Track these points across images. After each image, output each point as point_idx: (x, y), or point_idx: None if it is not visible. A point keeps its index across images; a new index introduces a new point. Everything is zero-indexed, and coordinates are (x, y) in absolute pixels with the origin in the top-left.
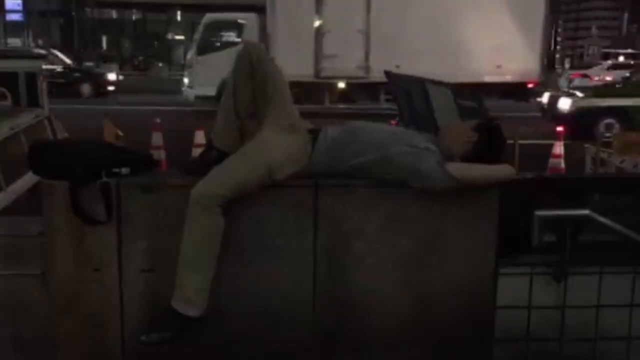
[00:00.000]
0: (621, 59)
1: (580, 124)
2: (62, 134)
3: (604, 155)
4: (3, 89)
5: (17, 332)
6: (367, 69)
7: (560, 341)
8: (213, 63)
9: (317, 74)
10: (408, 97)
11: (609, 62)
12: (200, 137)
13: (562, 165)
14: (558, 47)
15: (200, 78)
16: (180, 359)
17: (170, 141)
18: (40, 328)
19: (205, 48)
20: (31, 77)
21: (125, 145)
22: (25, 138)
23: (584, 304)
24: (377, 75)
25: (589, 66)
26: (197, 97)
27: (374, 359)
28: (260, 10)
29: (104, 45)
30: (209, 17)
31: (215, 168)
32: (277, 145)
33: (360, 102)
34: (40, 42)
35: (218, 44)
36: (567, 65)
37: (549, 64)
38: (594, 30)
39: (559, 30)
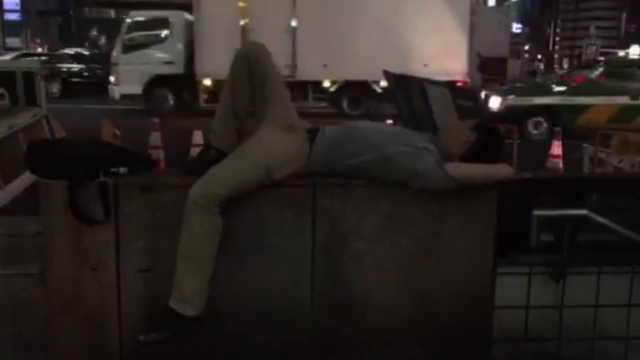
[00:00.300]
0: None
1: (509, 122)
2: (60, 134)
3: (602, 155)
4: (1, 89)
5: (16, 331)
6: (294, 67)
7: (559, 341)
8: (138, 61)
9: None
10: (406, 97)
11: None
12: (198, 136)
13: (561, 165)
14: (557, 47)
15: (126, 76)
16: (178, 359)
17: (170, 141)
18: (38, 328)
19: (131, 46)
20: (29, 77)
21: (123, 144)
22: (23, 137)
23: (582, 303)
24: (304, 74)
25: (588, 66)
26: (123, 96)
27: (372, 359)
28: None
29: (102, 44)
30: (133, 14)
31: (213, 168)
32: (275, 145)
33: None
34: (38, 41)
35: (143, 42)
36: (565, 65)
37: (547, 64)
38: (592, 31)
39: (558, 30)
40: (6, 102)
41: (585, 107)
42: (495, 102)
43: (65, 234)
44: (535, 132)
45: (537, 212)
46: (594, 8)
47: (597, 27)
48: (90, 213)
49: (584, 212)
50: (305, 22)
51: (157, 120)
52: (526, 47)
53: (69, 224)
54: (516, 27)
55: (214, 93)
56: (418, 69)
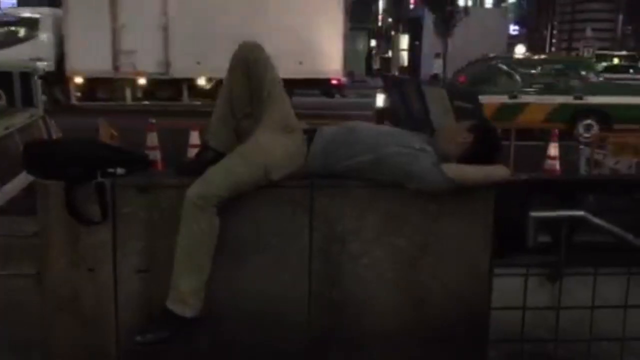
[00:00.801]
0: (615, 60)
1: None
2: (56, 134)
3: (598, 157)
4: None
5: (12, 332)
6: (167, 65)
7: (555, 342)
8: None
9: (115, 69)
10: (403, 98)
11: (604, 64)
12: (195, 137)
13: (557, 166)
14: (553, 49)
15: None
16: None
17: (167, 142)
18: (35, 328)
19: (3, 42)
20: (26, 77)
21: (120, 145)
22: (20, 138)
23: (578, 304)
24: (178, 72)
25: None
26: None
27: None
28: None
29: None
30: (3, 12)
31: (211, 168)
32: (273, 145)
33: (164, 99)
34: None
35: (9, 40)
36: None
37: None
38: (588, 32)
39: (554, 32)
40: (3, 102)
41: None
42: (379, 100)
43: (62, 234)
44: None
45: (533, 213)
46: (590, 10)
47: (594, 29)
48: (87, 213)
49: (580, 213)
50: (178, 18)
51: (153, 120)
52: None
53: (66, 225)
54: (513, 29)
55: (88, 90)
56: (292, 67)
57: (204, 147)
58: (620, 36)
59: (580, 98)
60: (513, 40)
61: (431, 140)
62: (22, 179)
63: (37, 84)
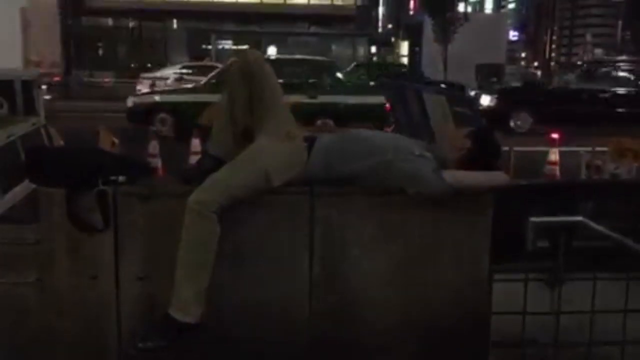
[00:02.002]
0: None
1: (140, 118)
2: (58, 142)
3: (598, 162)
4: None
5: (14, 339)
6: None
7: (555, 346)
8: None
9: None
10: (404, 104)
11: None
12: (196, 144)
13: (558, 172)
14: (553, 55)
15: None
16: None
17: (168, 149)
18: (37, 335)
19: None
20: (27, 85)
21: (121, 153)
22: (22, 146)
23: (578, 309)
24: None
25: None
26: None
27: None
28: None
29: (100, 53)
30: None
31: (211, 175)
32: (273, 152)
33: None
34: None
35: None
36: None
37: (543, 71)
38: (588, 38)
39: (554, 37)
40: (4, 110)
41: (204, 105)
42: (129, 101)
43: (64, 241)
44: (163, 128)
45: (532, 219)
46: (590, 15)
47: (593, 35)
48: (89, 221)
49: (579, 218)
50: None
51: (154, 128)
52: (523, 54)
53: (67, 232)
54: (512, 35)
55: None
56: None
57: (204, 154)
58: (619, 41)
59: (315, 97)
60: (513, 46)
61: (430, 146)
62: (24, 187)
63: (39, 92)
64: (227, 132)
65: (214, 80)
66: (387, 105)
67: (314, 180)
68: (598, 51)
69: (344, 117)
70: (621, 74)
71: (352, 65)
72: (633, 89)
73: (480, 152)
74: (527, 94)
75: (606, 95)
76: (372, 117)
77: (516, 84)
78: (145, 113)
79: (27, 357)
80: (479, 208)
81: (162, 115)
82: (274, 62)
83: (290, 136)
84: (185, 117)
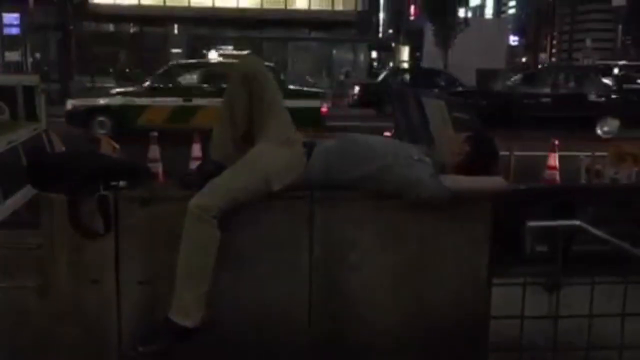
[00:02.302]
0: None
1: (78, 121)
2: (59, 148)
3: (598, 167)
4: (1, 103)
5: (15, 344)
6: None
7: (554, 350)
8: None
9: None
10: (404, 109)
11: None
12: (197, 149)
13: (557, 177)
14: (553, 60)
15: None
16: None
17: (169, 154)
18: (38, 340)
19: None
20: (29, 91)
21: (122, 158)
22: (23, 151)
23: (577, 313)
24: None
25: None
26: None
27: None
28: None
29: (102, 58)
30: None
31: (212, 180)
32: (274, 157)
33: None
34: (37, 55)
35: None
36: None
37: None
38: (588, 43)
39: (554, 42)
40: (6, 116)
41: (143, 108)
42: (68, 104)
43: (66, 246)
44: (101, 131)
45: (530, 223)
46: (590, 20)
47: (594, 40)
48: (90, 226)
49: (576, 222)
50: None
51: (155, 133)
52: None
53: (69, 237)
54: (513, 40)
55: None
56: None
57: (205, 159)
58: (620, 46)
59: (190, 100)
60: (513, 51)
61: (429, 151)
62: (26, 192)
63: (41, 97)
64: (228, 137)
65: (156, 85)
66: (323, 109)
67: (314, 185)
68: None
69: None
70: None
71: (344, 70)
72: (574, 92)
73: (478, 156)
74: (467, 98)
75: (545, 98)
76: (306, 121)
77: (460, 88)
78: (84, 116)
79: None
80: (477, 212)
81: (101, 118)
82: (200, 66)
83: (290, 141)
84: (125, 120)
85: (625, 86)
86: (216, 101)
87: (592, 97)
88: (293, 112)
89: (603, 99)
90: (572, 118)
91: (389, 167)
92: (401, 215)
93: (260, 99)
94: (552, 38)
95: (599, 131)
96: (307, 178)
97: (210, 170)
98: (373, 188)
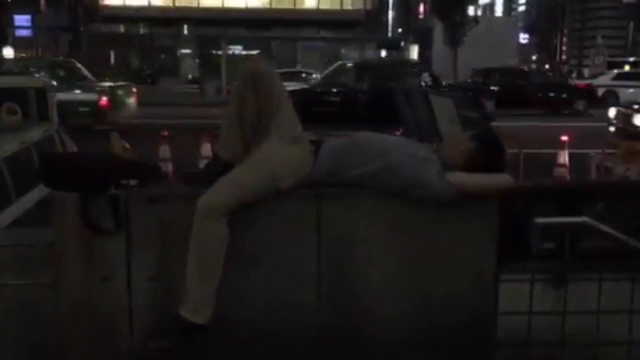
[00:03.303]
0: (627, 67)
1: None
2: (71, 148)
3: (608, 164)
4: (14, 104)
5: (28, 340)
6: None
7: (562, 347)
8: None
9: None
10: (411, 107)
11: (615, 71)
12: (207, 149)
13: (567, 174)
14: (564, 57)
15: None
16: None
17: (179, 153)
18: (50, 336)
19: None
20: (41, 92)
21: (133, 157)
22: (35, 152)
23: (585, 309)
24: None
25: (594, 76)
26: None
27: None
28: None
29: (112, 59)
30: None
31: (220, 178)
32: (281, 156)
33: None
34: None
35: None
36: (574, 75)
37: (554, 75)
38: (599, 40)
39: (564, 39)
40: (19, 117)
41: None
42: None
43: (77, 244)
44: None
45: (538, 220)
46: (600, 17)
47: (604, 37)
48: (101, 224)
49: (584, 219)
50: None
51: (166, 133)
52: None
53: (80, 235)
54: (523, 37)
55: None
56: None
57: (213, 158)
58: (631, 43)
59: None
60: (523, 49)
61: (436, 148)
62: (38, 192)
63: (52, 99)
64: (236, 136)
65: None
66: (102, 102)
67: (321, 183)
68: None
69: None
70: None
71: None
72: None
73: (485, 154)
74: (297, 96)
75: (352, 95)
76: (81, 113)
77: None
78: None
79: (40, 357)
80: (484, 209)
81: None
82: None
83: (298, 139)
84: None
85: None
86: None
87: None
88: (68, 105)
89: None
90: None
91: (395, 165)
92: (408, 212)
93: (268, 98)
94: (563, 35)
95: None
96: (314, 176)
97: (218, 169)
98: (380, 186)
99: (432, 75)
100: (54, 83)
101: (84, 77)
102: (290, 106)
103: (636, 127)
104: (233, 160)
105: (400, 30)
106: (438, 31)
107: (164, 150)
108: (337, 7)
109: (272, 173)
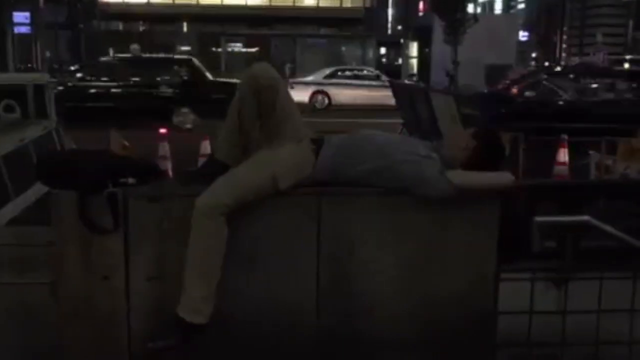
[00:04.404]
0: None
1: None
2: (69, 145)
3: (608, 162)
4: (12, 101)
5: (27, 339)
6: None
7: (562, 346)
8: None
9: None
10: (412, 105)
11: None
12: (206, 147)
13: (567, 172)
14: (564, 55)
15: None
16: None
17: (178, 152)
18: (49, 335)
19: None
20: (39, 90)
21: (131, 155)
22: (34, 149)
23: (585, 308)
24: None
25: None
26: None
27: None
28: None
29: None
30: None
31: (220, 177)
32: (281, 155)
33: None
34: (48, 54)
35: None
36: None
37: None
38: (599, 38)
39: (564, 37)
40: (17, 114)
41: None
42: None
43: (76, 243)
44: None
45: (538, 219)
46: (600, 15)
47: (604, 34)
48: (100, 223)
49: (584, 218)
50: None
51: (165, 131)
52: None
53: (79, 234)
54: (522, 35)
55: None
56: None
57: (209, 158)
58: (630, 41)
59: None
60: (522, 47)
61: (436, 147)
62: (36, 190)
63: (51, 96)
64: (234, 139)
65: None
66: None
67: (322, 182)
68: None
69: None
70: None
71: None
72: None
73: (485, 152)
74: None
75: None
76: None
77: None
78: None
79: (39, 356)
80: (485, 208)
81: None
82: None
83: (299, 139)
84: None
85: None
86: None
87: (164, 88)
88: None
89: (176, 90)
90: (144, 109)
91: (397, 163)
92: (409, 211)
93: (271, 107)
94: (562, 33)
95: (175, 121)
96: (315, 175)
97: (214, 169)
98: (381, 184)
99: (448, 75)
100: None
101: None
102: (293, 107)
103: None
104: (229, 161)
105: (400, 27)
106: (437, 29)
107: (163, 148)
108: (336, 4)
109: (272, 173)
